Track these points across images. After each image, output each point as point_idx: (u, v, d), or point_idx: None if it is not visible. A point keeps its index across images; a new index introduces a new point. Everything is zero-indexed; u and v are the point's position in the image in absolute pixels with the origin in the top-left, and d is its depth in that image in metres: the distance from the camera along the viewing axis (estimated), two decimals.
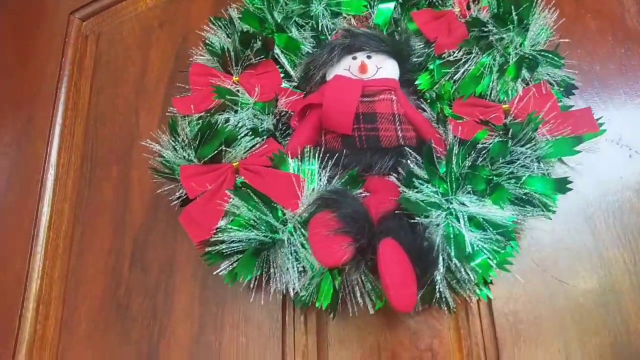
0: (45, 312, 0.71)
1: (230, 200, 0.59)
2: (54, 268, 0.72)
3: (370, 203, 0.56)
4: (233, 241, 0.57)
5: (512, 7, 0.65)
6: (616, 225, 0.67)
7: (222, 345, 0.66)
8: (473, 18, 0.66)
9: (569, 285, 0.63)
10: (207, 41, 0.72)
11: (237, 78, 0.70)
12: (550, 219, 0.61)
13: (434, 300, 0.57)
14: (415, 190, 0.56)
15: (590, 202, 0.66)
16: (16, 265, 0.72)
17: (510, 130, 0.61)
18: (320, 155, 0.62)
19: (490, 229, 0.55)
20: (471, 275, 0.53)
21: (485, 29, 0.66)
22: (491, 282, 0.57)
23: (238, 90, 0.69)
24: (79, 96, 0.82)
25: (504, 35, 0.65)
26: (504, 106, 0.65)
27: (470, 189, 0.58)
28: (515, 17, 0.65)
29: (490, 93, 0.66)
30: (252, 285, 0.59)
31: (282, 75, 0.73)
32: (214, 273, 0.57)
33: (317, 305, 0.59)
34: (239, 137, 0.62)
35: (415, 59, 0.71)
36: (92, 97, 0.81)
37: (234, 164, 0.62)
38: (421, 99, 0.71)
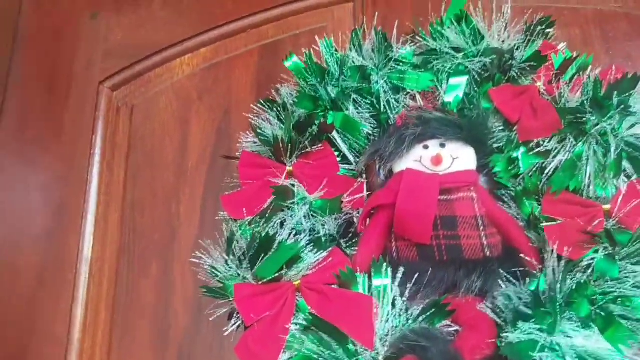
0: None
1: (292, 330, 0.51)
2: None
3: (464, 347, 0.47)
4: None
5: (615, 93, 0.56)
6: None
7: None
8: (569, 107, 0.57)
9: None
10: (258, 129, 0.64)
11: (290, 168, 0.62)
12: None
13: None
14: (517, 330, 0.47)
15: None
16: None
17: (618, 242, 0.52)
18: (393, 270, 0.54)
19: None
20: None
21: (581, 115, 0.57)
22: None
23: (293, 185, 0.61)
24: (112, 179, 0.74)
25: (604, 124, 0.56)
26: (604, 207, 0.56)
27: (572, 316, 0.50)
28: (616, 102, 0.56)
29: (587, 187, 0.57)
30: None
31: (338, 159, 0.65)
32: None
33: None
34: (302, 255, 0.54)
35: (494, 144, 0.62)
36: (127, 181, 0.74)
37: (295, 283, 0.54)
38: (498, 183, 0.62)
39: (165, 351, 0.65)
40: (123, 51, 0.82)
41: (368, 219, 0.60)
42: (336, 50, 0.67)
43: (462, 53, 0.65)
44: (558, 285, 0.49)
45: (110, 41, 0.83)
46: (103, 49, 0.82)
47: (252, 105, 0.67)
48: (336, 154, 0.65)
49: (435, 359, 0.45)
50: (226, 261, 0.55)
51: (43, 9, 0.86)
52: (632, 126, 0.59)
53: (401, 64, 0.66)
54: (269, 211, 0.58)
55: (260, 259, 0.54)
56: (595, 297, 0.51)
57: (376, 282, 0.53)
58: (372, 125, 0.66)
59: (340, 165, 0.65)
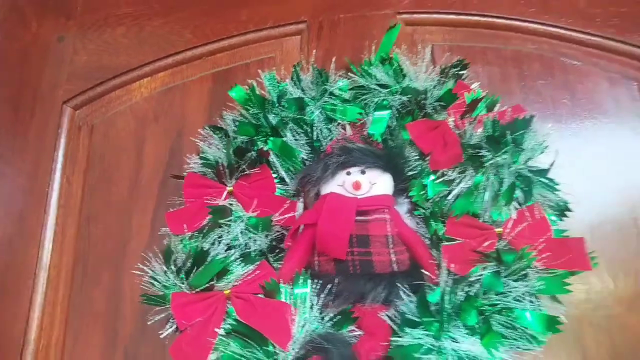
0: None
1: (220, 334, 0.59)
2: None
3: (362, 347, 0.56)
4: None
5: (508, 132, 0.64)
6: (607, 345, 0.67)
7: None
8: (471, 143, 0.66)
9: None
10: (201, 154, 0.71)
11: (231, 188, 0.70)
12: (540, 348, 0.60)
13: None
14: (407, 335, 0.56)
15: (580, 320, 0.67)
16: None
17: (504, 261, 0.61)
18: (313, 281, 0.62)
19: None
20: None
21: (480, 150, 0.66)
22: None
23: (232, 203, 0.68)
24: (71, 192, 0.81)
25: (499, 158, 0.65)
26: (497, 230, 0.64)
27: (461, 324, 0.58)
28: (510, 139, 0.65)
29: (485, 212, 0.66)
30: None
31: (276, 180, 0.73)
32: None
33: None
34: (231, 268, 0.62)
35: (409, 172, 0.70)
36: (84, 195, 0.81)
37: (226, 292, 0.62)
38: (416, 206, 0.71)
39: (113, 352, 0.72)
40: (86, 73, 0.89)
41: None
42: (278, 82, 0.75)
43: (388, 89, 0.73)
44: (447, 297, 0.58)
45: (75, 63, 0.90)
46: (67, 71, 0.89)
47: (199, 130, 0.75)
48: (275, 176, 0.73)
49: (335, 358, 0.52)
50: (165, 272, 0.63)
51: (12, 32, 0.92)
52: (528, 160, 0.68)
53: (334, 97, 0.74)
54: (206, 228, 0.66)
55: (194, 270, 0.61)
56: (484, 308, 0.59)
57: (297, 291, 0.62)
58: (307, 151, 0.73)
59: (279, 186, 0.73)
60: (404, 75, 0.73)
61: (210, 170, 0.71)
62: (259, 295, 0.62)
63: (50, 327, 0.74)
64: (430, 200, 0.69)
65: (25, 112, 0.87)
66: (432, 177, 0.69)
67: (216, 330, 0.59)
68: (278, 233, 0.69)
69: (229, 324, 0.59)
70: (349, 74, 0.77)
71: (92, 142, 0.84)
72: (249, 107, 0.73)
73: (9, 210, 0.81)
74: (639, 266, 0.72)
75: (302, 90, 0.75)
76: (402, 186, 0.71)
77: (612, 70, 0.84)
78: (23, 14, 0.93)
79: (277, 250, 0.68)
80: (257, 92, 0.74)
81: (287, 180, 0.73)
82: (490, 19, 0.87)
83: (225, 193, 0.70)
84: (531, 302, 0.60)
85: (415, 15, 0.88)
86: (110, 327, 0.73)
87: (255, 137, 0.72)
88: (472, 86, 0.75)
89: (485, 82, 0.83)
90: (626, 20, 0.85)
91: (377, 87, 0.73)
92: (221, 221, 0.66)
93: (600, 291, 0.70)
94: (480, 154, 0.65)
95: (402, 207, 0.74)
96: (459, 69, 0.74)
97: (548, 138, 0.69)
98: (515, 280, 0.60)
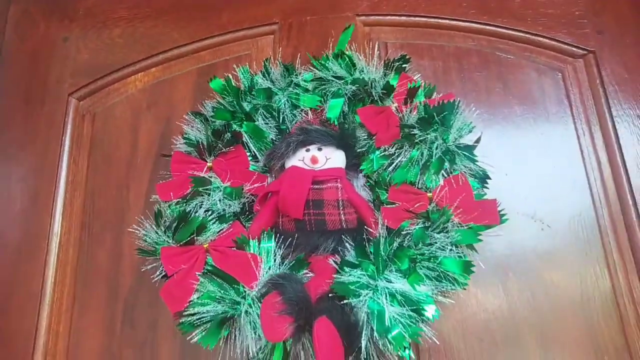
0: None
1: (200, 278, 0.73)
2: (59, 324, 0.86)
3: (312, 285, 0.70)
4: (202, 313, 0.71)
5: (435, 114, 0.78)
6: (526, 291, 0.82)
7: None
8: (408, 124, 0.80)
9: (483, 342, 0.78)
10: (184, 135, 0.85)
11: (210, 164, 0.84)
12: (464, 289, 0.74)
13: None
14: (347, 274, 0.70)
15: (505, 268, 0.81)
16: (25, 322, 0.86)
17: (432, 219, 0.75)
18: (277, 236, 0.76)
19: (406, 306, 0.69)
20: (389, 345, 0.67)
21: (413, 129, 0.80)
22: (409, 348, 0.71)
23: (211, 176, 0.83)
24: (77, 171, 0.95)
25: (428, 136, 0.79)
26: (428, 194, 0.78)
27: (395, 268, 0.72)
28: (439, 120, 0.79)
29: (419, 181, 0.80)
30: (222, 345, 0.73)
31: (250, 158, 0.87)
32: (188, 339, 0.71)
33: None
34: (208, 225, 0.76)
35: (359, 149, 0.84)
36: (89, 173, 0.95)
37: (205, 246, 0.76)
38: (368, 178, 0.85)
39: (115, 301, 0.86)
40: (88, 69, 1.03)
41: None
42: (251, 75, 0.89)
43: (342, 80, 0.87)
44: (382, 246, 0.72)
45: (78, 61, 1.04)
46: (72, 67, 1.03)
47: (184, 116, 0.89)
48: (248, 154, 0.87)
49: (289, 292, 0.67)
50: (156, 232, 0.77)
51: (23, 34, 1.06)
52: (457, 137, 0.82)
53: (298, 87, 0.88)
54: (189, 195, 0.80)
55: (178, 228, 0.75)
56: (415, 257, 0.74)
57: (263, 245, 0.76)
58: (275, 133, 0.88)
59: (252, 163, 0.87)
60: (355, 68, 0.87)
61: (193, 149, 0.85)
62: (232, 249, 0.76)
63: (62, 282, 0.89)
64: (376, 172, 0.83)
65: (35, 103, 1.01)
66: (377, 152, 0.83)
67: (197, 274, 0.74)
68: (249, 200, 0.83)
69: (207, 270, 0.73)
70: (312, 67, 0.91)
71: (94, 128, 0.98)
72: (225, 96, 0.87)
73: (24, 187, 0.95)
74: (559, 228, 0.86)
75: (272, 82, 0.89)
76: (355, 161, 0.85)
77: (540, 63, 0.98)
78: (33, 17, 1.07)
79: (248, 213, 0.82)
80: (233, 84, 0.88)
81: (259, 157, 0.87)
82: (435, 20, 1.01)
83: (205, 167, 0.84)
84: (451, 250, 0.74)
85: (371, 17, 1.02)
86: (112, 281, 0.87)
87: (231, 121, 0.86)
88: (415, 77, 0.89)
89: (430, 74, 0.97)
90: (552, 19, 0.99)
91: (333, 79, 0.87)
92: (201, 189, 0.80)
93: (522, 246, 0.84)
94: (413, 132, 0.79)
95: (360, 180, 0.88)
96: (401, 62, 0.88)
97: (474, 120, 0.84)
98: (438, 233, 0.74)
